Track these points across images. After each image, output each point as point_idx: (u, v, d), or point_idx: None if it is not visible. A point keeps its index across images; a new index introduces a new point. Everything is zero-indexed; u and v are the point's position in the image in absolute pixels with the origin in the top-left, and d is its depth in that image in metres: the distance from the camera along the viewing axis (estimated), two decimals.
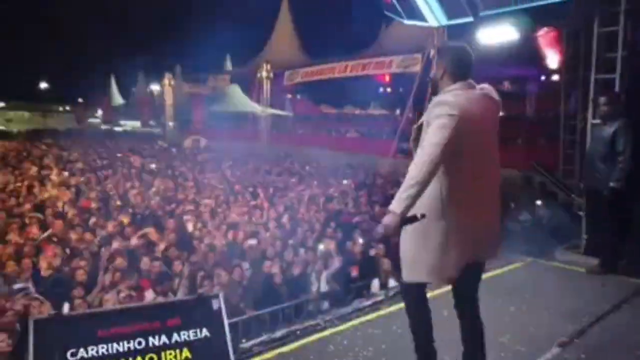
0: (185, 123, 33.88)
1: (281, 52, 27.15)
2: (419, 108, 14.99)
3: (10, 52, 60.28)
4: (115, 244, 7.16)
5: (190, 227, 8.89)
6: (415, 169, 2.29)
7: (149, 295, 5.75)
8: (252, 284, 6.53)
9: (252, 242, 7.80)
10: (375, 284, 6.95)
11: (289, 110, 30.30)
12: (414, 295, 2.78)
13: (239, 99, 32.36)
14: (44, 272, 6.19)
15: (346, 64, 21.34)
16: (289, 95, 29.82)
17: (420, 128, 2.58)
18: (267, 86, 25.58)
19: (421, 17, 11.79)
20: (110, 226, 8.25)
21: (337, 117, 32.12)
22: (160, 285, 6.12)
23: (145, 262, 6.61)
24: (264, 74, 25.45)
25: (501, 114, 2.74)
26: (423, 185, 2.29)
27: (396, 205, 2.28)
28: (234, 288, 6.28)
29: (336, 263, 7.16)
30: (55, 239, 7.65)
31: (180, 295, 5.99)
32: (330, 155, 20.84)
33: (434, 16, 11.60)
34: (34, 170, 15.04)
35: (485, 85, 2.68)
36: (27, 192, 11.23)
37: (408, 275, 2.66)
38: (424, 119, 2.55)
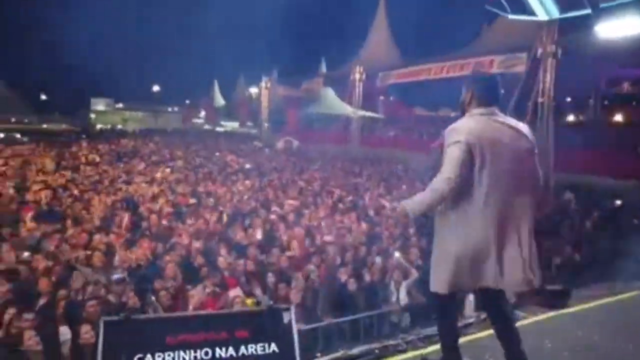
0: (279, 124, 34.89)
1: (375, 54, 26.76)
2: (522, 111, 13.80)
3: (129, 57, 66.63)
4: (197, 243, 7.31)
5: (273, 227, 8.89)
6: (430, 194, 2.59)
7: (234, 293, 5.74)
8: (327, 290, 6.29)
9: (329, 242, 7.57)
10: (470, 302, 6.38)
11: (381, 112, 29.88)
12: (441, 302, 2.85)
13: (331, 101, 32.60)
14: (134, 264, 6.48)
15: (443, 64, 20.39)
16: (382, 97, 29.36)
17: (439, 150, 2.75)
18: (359, 88, 25.34)
19: (529, 11, 10.80)
20: (199, 223, 8.49)
21: (431, 119, 30.98)
22: (247, 284, 6.10)
23: (221, 261, 6.66)
24: (357, 76, 25.22)
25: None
26: (434, 208, 2.67)
27: (412, 208, 2.66)
28: (310, 293, 6.11)
29: (414, 273, 6.70)
30: (148, 233, 8.08)
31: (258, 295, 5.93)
32: (422, 158, 20.03)
33: (543, 9, 10.56)
34: (141, 166, 16.26)
35: (515, 121, 2.77)
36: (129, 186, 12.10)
37: (431, 285, 2.80)
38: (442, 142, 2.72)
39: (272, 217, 9.51)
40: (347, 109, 26.77)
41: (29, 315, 4.51)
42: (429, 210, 2.66)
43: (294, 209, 10.51)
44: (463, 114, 2.80)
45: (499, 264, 2.59)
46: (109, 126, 55.36)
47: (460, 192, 2.57)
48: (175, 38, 72.34)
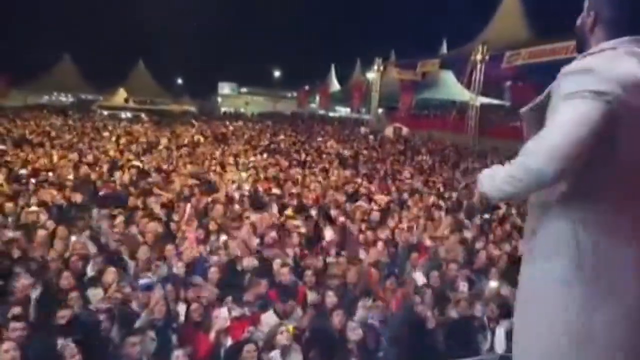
0: (391, 110, 33.08)
1: (503, 32, 23.47)
2: None
3: (255, 43, 69.73)
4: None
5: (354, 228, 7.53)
6: (509, 174, 1.44)
7: (268, 319, 4.57)
8: (400, 324, 4.78)
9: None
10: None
11: (507, 98, 26.49)
12: None
13: (450, 86, 29.90)
14: (179, 267, 5.60)
15: None
16: (508, 82, 25.89)
17: (537, 109, 1.60)
18: (480, 70, 22.38)
19: None
20: (267, 219, 7.42)
21: None
22: (283, 302, 4.83)
23: (282, 272, 5.46)
24: (479, 56, 22.25)
25: None
26: (520, 197, 1.56)
27: (488, 186, 1.55)
28: (374, 327, 4.68)
29: None
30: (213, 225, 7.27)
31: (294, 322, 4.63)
32: None
33: None
34: (237, 148, 16.00)
35: None
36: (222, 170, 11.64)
37: None
38: (547, 93, 1.57)
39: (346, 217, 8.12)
40: (465, 95, 24.08)
41: (17, 324, 3.79)
42: (505, 198, 1.67)
43: (383, 207, 9.05)
44: (580, 51, 1.61)
45: None
46: (232, 109, 58.26)
47: (593, 195, 1.39)
48: (298, 23, 73.90)
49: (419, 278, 5.73)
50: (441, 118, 27.54)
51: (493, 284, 5.05)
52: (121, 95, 35.00)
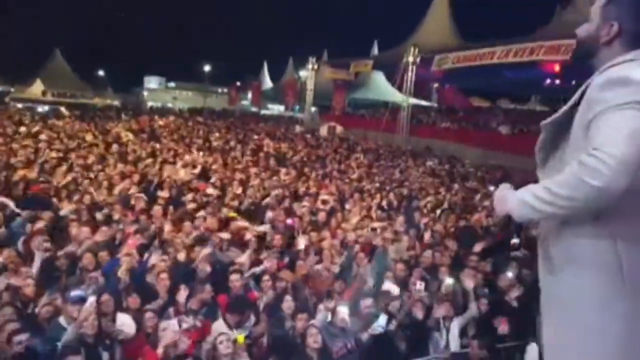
0: (325, 109, 33.36)
1: (433, 35, 24.48)
2: None
3: (182, 37, 67.29)
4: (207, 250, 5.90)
5: (299, 230, 7.44)
6: (575, 192, 1.32)
7: (218, 329, 4.36)
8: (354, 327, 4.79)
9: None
10: (533, 351, 4.77)
11: (434, 100, 27.69)
12: None
13: (381, 86, 30.71)
14: (121, 273, 5.21)
15: (509, 47, 18.06)
16: (436, 84, 27.09)
17: (554, 129, 1.58)
18: (411, 73, 23.19)
19: None
20: (211, 221, 7.12)
21: (489, 110, 28.53)
22: (235, 312, 4.62)
23: (234, 278, 5.24)
24: (410, 59, 23.06)
25: None
26: (570, 214, 1.39)
27: (517, 206, 1.48)
28: (333, 332, 4.65)
29: (473, 308, 5.12)
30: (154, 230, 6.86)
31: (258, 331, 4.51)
32: (476, 153, 18.26)
33: None
34: (171, 146, 15.30)
35: None
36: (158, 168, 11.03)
37: None
38: (572, 103, 1.50)
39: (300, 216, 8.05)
40: (396, 96, 24.84)
41: None
42: (552, 214, 1.42)
43: (328, 205, 9.06)
44: (582, 61, 1.64)
45: None
46: (159, 104, 55.99)
47: (626, 213, 1.37)
48: (229, 19, 72.46)
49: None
50: (374, 118, 28.26)
51: (448, 281, 5.19)
52: (37, 86, 32.24)
